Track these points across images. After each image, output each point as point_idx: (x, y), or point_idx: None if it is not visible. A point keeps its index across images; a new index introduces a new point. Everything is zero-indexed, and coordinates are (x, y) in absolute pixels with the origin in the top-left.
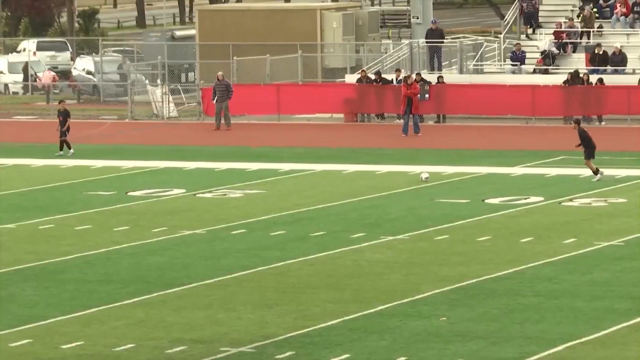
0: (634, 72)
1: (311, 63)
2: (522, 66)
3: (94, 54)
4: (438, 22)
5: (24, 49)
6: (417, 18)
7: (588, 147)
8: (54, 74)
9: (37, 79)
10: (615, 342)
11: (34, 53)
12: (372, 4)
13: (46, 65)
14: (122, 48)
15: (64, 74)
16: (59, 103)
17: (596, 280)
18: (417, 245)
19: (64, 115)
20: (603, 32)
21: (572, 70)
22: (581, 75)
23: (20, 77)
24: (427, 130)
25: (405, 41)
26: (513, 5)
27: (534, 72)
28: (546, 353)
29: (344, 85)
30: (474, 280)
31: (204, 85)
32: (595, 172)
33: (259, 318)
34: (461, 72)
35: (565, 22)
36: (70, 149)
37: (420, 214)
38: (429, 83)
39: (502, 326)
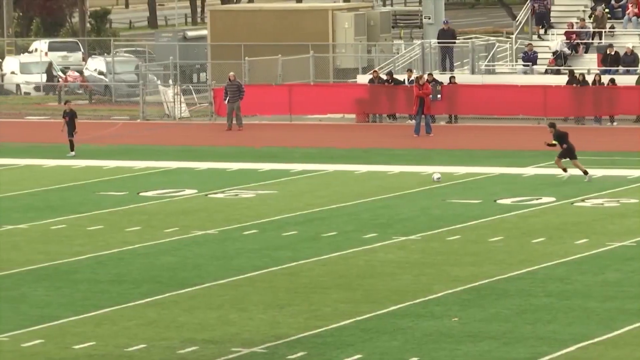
0: None
1: (323, 63)
2: (534, 66)
3: (105, 54)
4: (450, 23)
5: (36, 50)
6: (429, 18)
7: (567, 147)
8: (78, 74)
9: (62, 79)
10: (627, 343)
11: (46, 53)
12: (384, 5)
13: (59, 66)
14: (134, 48)
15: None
16: (65, 104)
17: (608, 280)
18: (429, 245)
19: (70, 116)
20: (615, 33)
21: (576, 71)
22: (576, 75)
23: (31, 77)
24: (439, 131)
25: (417, 41)
26: (525, 6)
27: (546, 72)
28: (558, 353)
29: (355, 85)
30: (486, 281)
31: (216, 86)
32: (565, 170)
33: (271, 318)
34: (473, 72)
35: (577, 23)
36: (72, 151)
37: (432, 214)
38: (441, 83)
39: (514, 326)
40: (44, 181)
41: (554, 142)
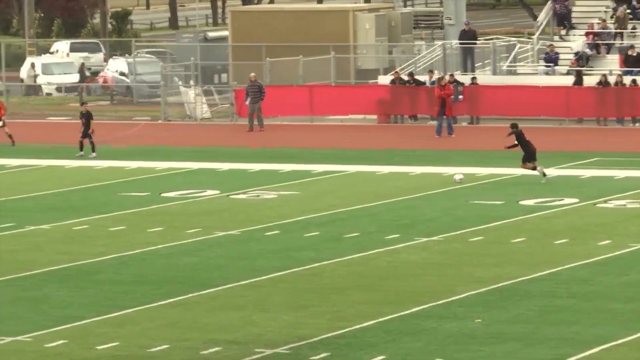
0: None
1: (344, 64)
2: (556, 67)
3: (127, 55)
4: (471, 23)
5: (57, 51)
6: (450, 19)
7: (526, 150)
8: (111, 75)
9: (95, 80)
10: None
11: (67, 54)
12: (405, 5)
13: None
14: (155, 49)
15: (96, 75)
16: (82, 105)
17: (631, 282)
18: (452, 246)
19: (87, 117)
20: (636, 34)
21: (599, 72)
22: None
23: (53, 78)
24: (460, 132)
25: (438, 42)
26: (546, 7)
27: (568, 73)
28: (581, 355)
29: (377, 86)
30: (509, 282)
31: (237, 87)
32: (534, 168)
33: (294, 319)
34: (494, 73)
35: (598, 24)
36: (82, 151)
37: (454, 215)
38: (462, 84)
39: (537, 328)
40: (66, 182)
41: (515, 143)
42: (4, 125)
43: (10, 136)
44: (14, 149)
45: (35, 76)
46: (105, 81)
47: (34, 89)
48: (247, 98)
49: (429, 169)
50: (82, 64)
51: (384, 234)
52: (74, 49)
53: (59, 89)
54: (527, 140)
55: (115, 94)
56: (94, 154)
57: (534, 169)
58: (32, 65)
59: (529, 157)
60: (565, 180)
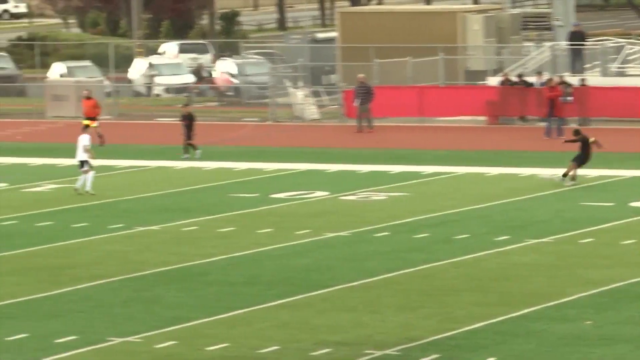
0: None
1: (452, 65)
2: None
3: (235, 56)
4: (580, 25)
5: (164, 52)
6: (559, 20)
7: (584, 155)
8: (227, 76)
9: (212, 81)
10: None
11: (176, 55)
12: (514, 7)
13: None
14: (263, 50)
15: (206, 76)
16: (183, 107)
17: None
18: (563, 248)
19: (189, 119)
20: None
21: None
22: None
23: (162, 79)
24: (570, 133)
25: (547, 44)
26: None
27: None
28: None
29: (486, 87)
30: (620, 284)
31: (346, 88)
32: (574, 175)
33: (404, 320)
34: (604, 74)
35: None
36: (187, 153)
37: (565, 216)
38: (572, 86)
39: None
40: (175, 183)
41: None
42: (97, 126)
43: (100, 136)
44: (105, 149)
45: (152, 76)
46: (220, 82)
47: (144, 90)
48: (356, 99)
49: (539, 170)
50: (200, 65)
51: (494, 236)
52: (183, 49)
53: (168, 90)
54: (589, 148)
55: (229, 95)
56: (187, 155)
57: (574, 176)
58: (151, 65)
59: (582, 161)
60: None
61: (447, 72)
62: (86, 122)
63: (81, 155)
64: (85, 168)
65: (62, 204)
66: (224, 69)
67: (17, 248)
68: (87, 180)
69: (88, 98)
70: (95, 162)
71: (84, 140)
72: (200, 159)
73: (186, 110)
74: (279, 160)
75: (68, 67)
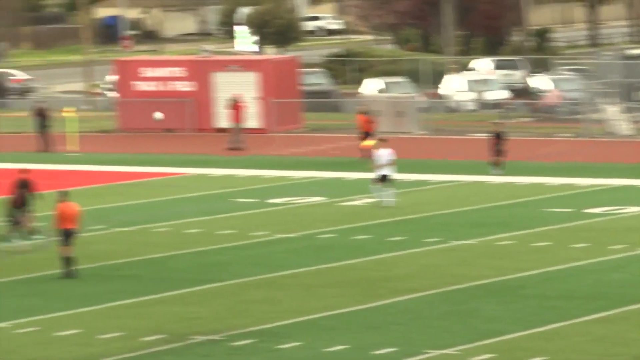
0: None
1: None
2: None
3: (547, 72)
4: None
5: (474, 68)
6: None
7: None
8: (558, 92)
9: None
10: None
11: (493, 72)
12: None
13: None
14: (575, 67)
15: (519, 92)
16: (495, 124)
17: None
18: None
19: (498, 136)
20: None
21: None
22: None
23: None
24: None
25: None
26: None
27: None
28: None
29: None
30: None
31: None
32: None
33: None
34: None
35: None
36: (496, 170)
37: None
38: None
39: None
40: (489, 197)
41: None
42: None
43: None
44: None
45: (480, 92)
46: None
47: (455, 105)
48: None
49: None
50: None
51: None
52: (498, 66)
53: (483, 106)
54: None
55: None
56: (495, 172)
57: None
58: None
59: None
60: None
61: None
62: (369, 142)
63: (385, 170)
64: (386, 182)
65: (376, 217)
66: (541, 85)
67: (335, 261)
68: (388, 194)
69: (364, 113)
70: (400, 177)
71: (387, 154)
72: (507, 174)
73: (497, 128)
74: (592, 176)
75: (386, 83)
